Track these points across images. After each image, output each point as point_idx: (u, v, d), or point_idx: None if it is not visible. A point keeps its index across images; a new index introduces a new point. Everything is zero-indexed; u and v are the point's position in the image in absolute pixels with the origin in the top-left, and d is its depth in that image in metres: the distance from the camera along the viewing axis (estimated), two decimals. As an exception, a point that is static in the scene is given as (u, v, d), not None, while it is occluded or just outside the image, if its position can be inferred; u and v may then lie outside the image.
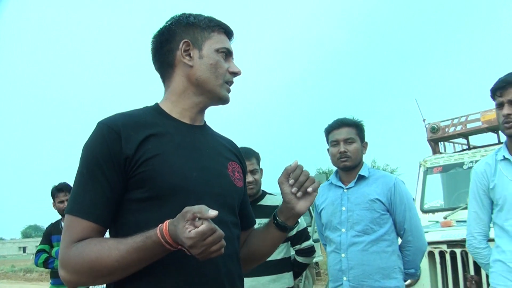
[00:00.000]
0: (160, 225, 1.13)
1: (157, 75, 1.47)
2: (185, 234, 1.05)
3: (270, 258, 2.62)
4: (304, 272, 5.63)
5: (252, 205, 2.80)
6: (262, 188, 2.97)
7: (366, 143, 2.72)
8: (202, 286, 1.25)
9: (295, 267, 2.98)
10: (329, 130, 2.69)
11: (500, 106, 2.22)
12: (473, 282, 3.50)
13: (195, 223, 1.05)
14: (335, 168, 2.72)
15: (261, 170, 2.96)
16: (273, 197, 2.95)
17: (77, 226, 1.20)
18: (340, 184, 2.66)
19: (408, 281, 3.65)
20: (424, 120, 5.69)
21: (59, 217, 4.44)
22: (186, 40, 1.37)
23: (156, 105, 1.42)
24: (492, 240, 2.36)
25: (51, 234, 4.45)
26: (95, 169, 1.23)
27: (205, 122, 1.48)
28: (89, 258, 1.16)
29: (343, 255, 2.53)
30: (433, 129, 5.54)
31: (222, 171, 1.40)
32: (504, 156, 2.27)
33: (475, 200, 2.39)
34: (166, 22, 1.43)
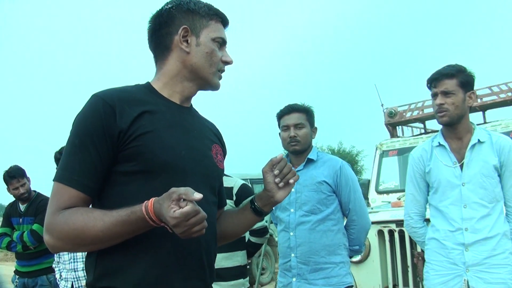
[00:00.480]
0: (145, 201, 1.17)
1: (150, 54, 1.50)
2: (169, 214, 1.10)
3: None
4: (262, 250, 5.85)
5: None
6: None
7: (316, 128, 2.86)
8: (182, 259, 1.31)
9: (249, 247, 3.10)
10: (280, 115, 2.81)
11: (434, 96, 2.39)
12: (420, 258, 3.73)
13: (180, 203, 1.10)
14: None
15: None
16: (229, 178, 3.04)
17: (65, 194, 1.24)
18: (290, 167, 2.80)
19: (359, 257, 3.88)
20: (382, 105, 5.90)
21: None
22: (185, 26, 1.41)
23: (148, 83, 1.46)
24: (429, 220, 2.56)
25: (10, 216, 4.35)
26: (87, 140, 1.26)
27: (191, 104, 1.54)
28: (74, 226, 1.20)
29: (291, 233, 2.68)
30: (391, 114, 5.76)
31: (207, 152, 1.47)
32: (439, 142, 2.45)
33: (411, 183, 2.57)
34: (166, 4, 1.46)
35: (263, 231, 3.11)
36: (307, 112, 2.80)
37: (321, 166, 2.73)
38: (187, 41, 1.42)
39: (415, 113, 5.92)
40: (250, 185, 3.33)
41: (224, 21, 1.50)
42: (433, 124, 6.31)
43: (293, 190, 2.71)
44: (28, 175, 4.34)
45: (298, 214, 2.68)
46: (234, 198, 2.91)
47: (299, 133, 2.71)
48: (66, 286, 3.82)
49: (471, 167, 2.33)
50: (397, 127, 6.15)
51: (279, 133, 2.84)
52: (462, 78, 2.35)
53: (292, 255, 2.67)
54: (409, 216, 2.60)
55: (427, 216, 2.59)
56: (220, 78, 1.49)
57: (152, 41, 1.47)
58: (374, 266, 3.85)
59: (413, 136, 6.07)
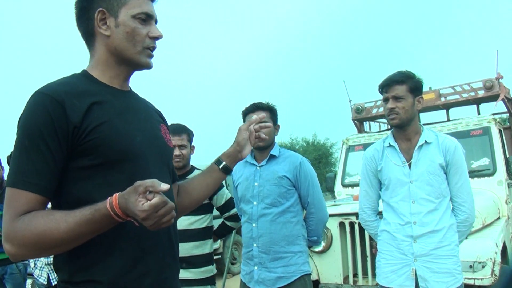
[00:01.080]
0: (109, 198, 1.14)
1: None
2: (138, 207, 1.08)
3: (194, 227, 2.98)
4: (231, 241, 6.02)
5: (181, 179, 3.05)
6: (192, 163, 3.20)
7: (279, 126, 3.01)
8: (155, 239, 1.33)
9: (223, 230, 3.29)
10: (245, 113, 2.95)
11: (386, 101, 2.57)
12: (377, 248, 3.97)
13: (147, 196, 1.09)
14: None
15: (193, 147, 3.15)
16: (200, 171, 3.18)
17: (22, 198, 1.17)
18: (254, 162, 2.95)
19: (321, 247, 4.08)
20: (350, 101, 6.10)
21: None
22: (101, 8, 1.34)
23: (85, 71, 1.40)
24: (381, 213, 2.75)
25: None
26: (38, 140, 1.19)
27: (130, 87, 1.50)
28: (37, 231, 1.14)
29: (254, 224, 2.84)
30: (357, 110, 5.97)
31: (157, 133, 1.47)
32: (389, 143, 2.63)
33: (365, 180, 2.76)
34: None
35: (237, 217, 3.24)
36: (271, 110, 2.95)
37: (282, 161, 2.89)
38: (106, 23, 1.35)
39: (381, 109, 6.15)
40: None
41: None
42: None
43: (256, 184, 2.88)
44: (2, 164, 4.38)
45: (260, 206, 2.84)
46: None
47: (263, 130, 2.86)
48: (40, 276, 3.90)
49: (418, 166, 2.51)
50: (364, 122, 6.37)
51: None
52: (412, 84, 2.52)
53: (254, 245, 2.84)
54: (362, 210, 2.79)
55: (380, 209, 2.78)
56: (149, 56, 1.41)
57: (78, 28, 1.41)
58: (335, 256, 4.04)
59: (378, 131, 6.31)
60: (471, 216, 2.53)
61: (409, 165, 2.54)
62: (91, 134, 1.25)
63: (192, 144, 3.17)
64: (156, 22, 1.43)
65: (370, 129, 6.55)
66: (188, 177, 3.10)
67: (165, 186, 1.10)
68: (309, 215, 2.90)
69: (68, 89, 1.28)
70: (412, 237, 2.48)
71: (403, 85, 2.51)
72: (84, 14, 1.37)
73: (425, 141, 2.54)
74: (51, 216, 1.17)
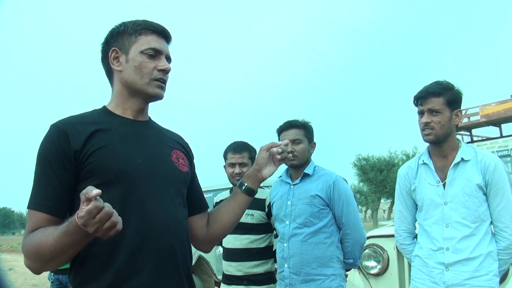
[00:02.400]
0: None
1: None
2: (78, 214, 1.14)
3: (255, 246, 3.02)
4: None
5: None
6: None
7: (314, 143, 2.94)
8: (143, 262, 1.37)
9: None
10: (279, 131, 2.93)
11: (420, 114, 2.37)
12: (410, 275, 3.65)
13: (87, 203, 1.12)
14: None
15: None
16: (262, 190, 3.16)
17: (33, 217, 1.35)
18: (288, 180, 2.91)
19: (377, 270, 3.86)
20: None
21: None
22: (114, 48, 1.52)
23: (104, 107, 1.57)
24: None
25: None
26: (45, 166, 1.37)
27: (149, 118, 1.62)
28: (34, 244, 1.29)
29: (285, 244, 2.79)
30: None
31: (165, 158, 1.54)
32: (424, 160, 2.43)
33: (399, 200, 2.57)
34: (106, 35, 1.58)
35: None
36: (305, 128, 2.89)
37: (316, 180, 2.82)
38: (118, 61, 1.52)
39: (464, 120, 5.70)
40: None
41: (157, 32, 1.54)
42: (483, 131, 6.05)
43: (289, 203, 2.83)
44: None
45: (292, 226, 2.78)
46: (266, 209, 3.06)
47: (297, 148, 2.81)
48: None
49: (453, 186, 2.30)
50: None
51: None
52: (449, 96, 2.31)
53: (286, 265, 2.78)
54: (397, 233, 2.60)
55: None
56: (159, 87, 1.52)
57: (103, 69, 1.59)
58: (392, 280, 3.80)
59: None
60: None
61: (444, 185, 2.34)
62: (90, 157, 1.38)
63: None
64: (169, 59, 1.57)
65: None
66: None
67: (94, 192, 1.11)
68: (345, 236, 2.79)
69: (77, 120, 1.47)
70: (444, 265, 2.27)
71: (440, 97, 2.31)
72: (104, 55, 1.56)
73: (462, 159, 2.31)
74: (46, 230, 1.30)
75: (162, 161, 1.52)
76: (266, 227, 3.06)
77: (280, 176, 3.03)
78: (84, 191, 1.14)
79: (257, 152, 1.72)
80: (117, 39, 1.53)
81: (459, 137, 6.20)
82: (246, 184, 1.67)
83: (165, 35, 1.57)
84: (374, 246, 3.83)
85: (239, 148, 3.08)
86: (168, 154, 1.56)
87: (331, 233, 2.76)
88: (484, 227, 2.25)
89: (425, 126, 2.34)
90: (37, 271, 1.38)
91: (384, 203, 40.17)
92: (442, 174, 2.36)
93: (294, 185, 2.87)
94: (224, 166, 3.15)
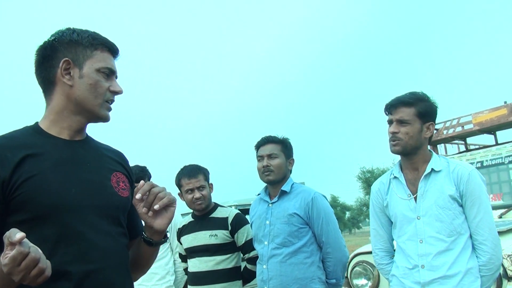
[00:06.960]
0: None
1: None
2: (1, 261, 1.03)
3: (221, 267, 2.91)
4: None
5: (204, 218, 3.03)
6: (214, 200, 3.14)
7: (293, 159, 2.85)
8: None
9: (245, 274, 3.13)
10: (257, 146, 2.85)
11: (390, 123, 2.26)
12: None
13: (11, 248, 1.02)
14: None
15: (211, 185, 3.09)
16: (223, 209, 3.11)
17: None
18: (267, 198, 2.81)
19: (368, 287, 3.73)
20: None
21: None
22: (67, 59, 1.36)
23: (36, 124, 1.41)
24: None
25: None
26: None
27: (86, 135, 1.48)
28: None
29: (264, 266, 2.68)
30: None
31: (104, 182, 1.41)
32: (394, 174, 2.32)
33: (373, 218, 2.44)
34: (50, 37, 1.41)
35: None
36: (282, 144, 2.81)
37: (293, 198, 2.72)
38: (69, 73, 1.37)
39: (459, 129, 5.59)
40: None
41: (112, 50, 1.45)
42: (479, 139, 5.94)
43: (267, 222, 2.73)
44: None
45: (271, 246, 2.68)
46: (229, 228, 2.97)
47: (272, 162, 2.73)
48: None
49: (425, 199, 2.17)
50: (437, 145, 5.84)
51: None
52: (421, 107, 2.19)
53: (265, 287, 2.67)
54: (374, 252, 2.46)
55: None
56: (108, 109, 1.43)
57: (38, 76, 1.42)
58: (384, 297, 3.68)
59: (457, 153, 5.71)
60: (495, 257, 2.09)
61: (415, 198, 2.21)
62: (19, 188, 1.24)
63: (210, 182, 3.10)
64: (116, 77, 1.47)
65: (446, 152, 5.97)
66: (211, 215, 3.04)
67: (18, 236, 1.00)
68: (326, 256, 2.68)
69: (4, 142, 1.30)
70: (420, 284, 2.13)
71: (411, 108, 2.19)
72: (46, 62, 1.39)
73: (432, 169, 2.19)
74: None
75: (100, 187, 1.39)
76: (231, 247, 2.97)
77: (259, 194, 2.93)
78: (7, 234, 1.03)
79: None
80: (70, 49, 1.38)
81: (454, 146, 6.12)
82: (145, 233, 1.46)
83: (116, 54, 1.47)
84: (363, 263, 3.72)
85: (194, 172, 2.99)
86: (107, 178, 1.43)
87: (311, 252, 2.65)
88: (461, 240, 2.11)
89: (392, 136, 2.22)
90: None
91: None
92: (414, 187, 2.23)
93: (272, 203, 2.77)
94: (179, 194, 3.04)
